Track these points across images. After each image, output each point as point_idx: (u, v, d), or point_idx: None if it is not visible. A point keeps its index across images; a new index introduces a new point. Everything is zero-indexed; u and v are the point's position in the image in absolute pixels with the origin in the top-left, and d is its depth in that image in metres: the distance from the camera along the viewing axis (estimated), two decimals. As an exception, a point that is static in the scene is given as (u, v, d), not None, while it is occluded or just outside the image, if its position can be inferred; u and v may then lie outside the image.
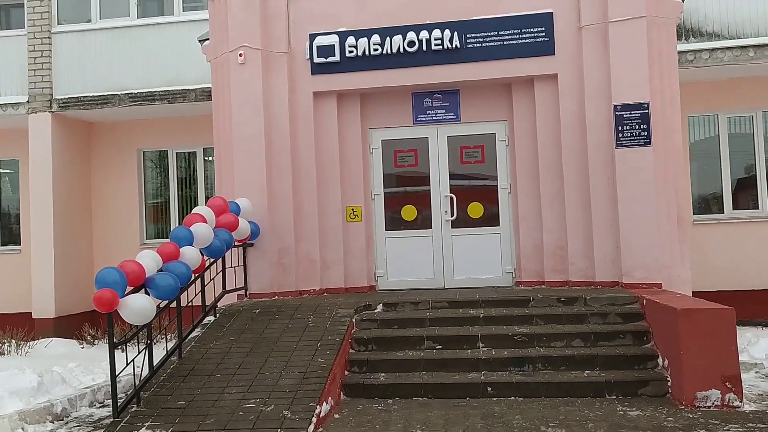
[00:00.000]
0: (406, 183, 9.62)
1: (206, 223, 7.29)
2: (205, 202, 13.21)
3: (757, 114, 10.98)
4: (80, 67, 12.21)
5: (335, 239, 9.28)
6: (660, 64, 8.47)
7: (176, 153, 13.10)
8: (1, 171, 13.61)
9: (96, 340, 10.70)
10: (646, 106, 8.33)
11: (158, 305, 6.19)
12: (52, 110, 12.10)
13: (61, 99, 12.09)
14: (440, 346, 7.03)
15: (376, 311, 7.82)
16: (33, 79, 12.17)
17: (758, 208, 10.89)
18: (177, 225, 13.03)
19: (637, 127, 8.35)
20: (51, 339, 10.76)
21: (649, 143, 8.33)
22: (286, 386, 6.02)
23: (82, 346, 10.62)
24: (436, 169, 9.41)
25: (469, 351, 6.90)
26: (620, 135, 8.38)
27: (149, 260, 6.15)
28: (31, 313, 12.38)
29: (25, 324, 12.20)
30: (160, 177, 13.32)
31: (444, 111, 9.42)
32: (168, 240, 6.85)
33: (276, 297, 8.92)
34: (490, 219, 9.34)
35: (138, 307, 5.63)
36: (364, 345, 7.16)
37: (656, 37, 8.46)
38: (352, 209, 9.40)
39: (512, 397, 6.29)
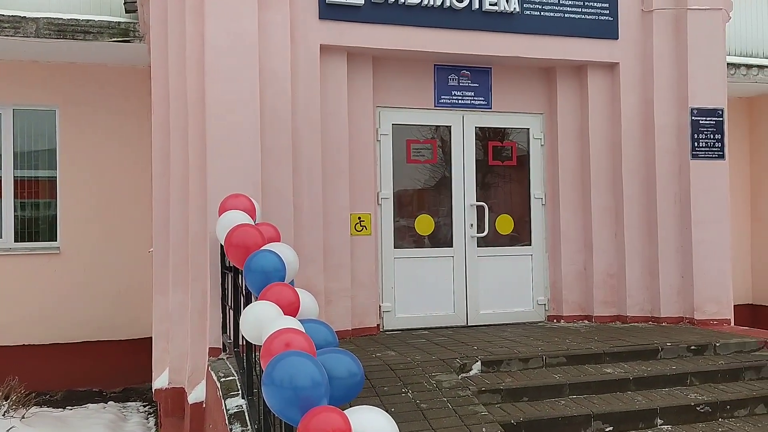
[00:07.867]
0: (422, 185, 7.20)
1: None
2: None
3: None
4: None
5: (341, 261, 6.46)
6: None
7: None
8: None
9: None
10: (720, 112, 7.22)
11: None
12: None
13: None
14: (611, 428, 4.97)
15: (472, 374, 5.42)
16: None
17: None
18: None
19: (712, 136, 7.18)
20: None
21: (723, 156, 7.23)
22: None
23: None
24: (460, 168, 7.17)
25: (652, 433, 4.99)
26: (696, 145, 7.13)
27: None
28: None
29: None
30: None
31: (473, 94, 7.21)
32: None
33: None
34: (520, 237, 7.43)
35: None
36: (514, 435, 4.75)
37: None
38: (359, 218, 6.68)
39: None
